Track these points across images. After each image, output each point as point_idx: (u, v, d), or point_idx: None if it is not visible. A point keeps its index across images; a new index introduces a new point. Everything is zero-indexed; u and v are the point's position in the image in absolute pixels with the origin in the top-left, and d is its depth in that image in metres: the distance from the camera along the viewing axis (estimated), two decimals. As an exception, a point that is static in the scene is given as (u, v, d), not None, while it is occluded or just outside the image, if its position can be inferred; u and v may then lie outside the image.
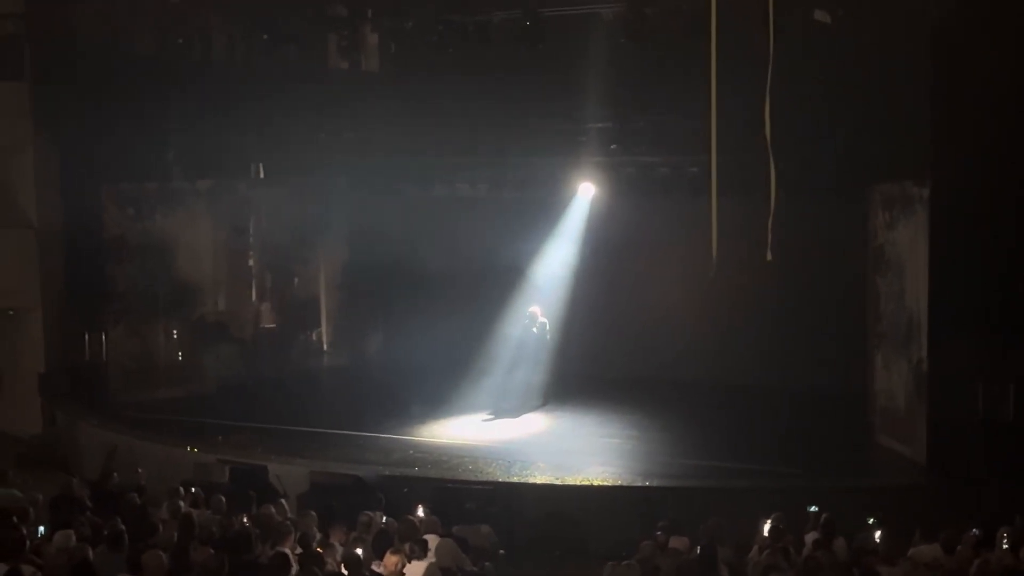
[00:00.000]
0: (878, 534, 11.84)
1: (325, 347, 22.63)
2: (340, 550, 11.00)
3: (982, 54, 14.64)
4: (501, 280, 20.26)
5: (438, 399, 18.81)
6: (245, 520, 11.84)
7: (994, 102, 14.62)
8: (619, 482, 15.18)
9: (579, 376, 19.91)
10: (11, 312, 20.82)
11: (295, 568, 9.97)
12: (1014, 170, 14.73)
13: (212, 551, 10.15)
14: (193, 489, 13.51)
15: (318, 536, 11.35)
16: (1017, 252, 14.72)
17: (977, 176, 14.70)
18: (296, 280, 22.16)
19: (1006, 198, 14.74)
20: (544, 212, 20.36)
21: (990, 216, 14.74)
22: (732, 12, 12.95)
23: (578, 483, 15.10)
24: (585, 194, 19.99)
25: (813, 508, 12.58)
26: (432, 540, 11.48)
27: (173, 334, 20.25)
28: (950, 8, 14.74)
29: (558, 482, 15.18)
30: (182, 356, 20.39)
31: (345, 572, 10.27)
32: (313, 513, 12.19)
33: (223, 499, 12.91)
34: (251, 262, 21.62)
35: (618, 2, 16.10)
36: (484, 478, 15.29)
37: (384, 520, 12.33)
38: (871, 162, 16.83)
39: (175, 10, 17.96)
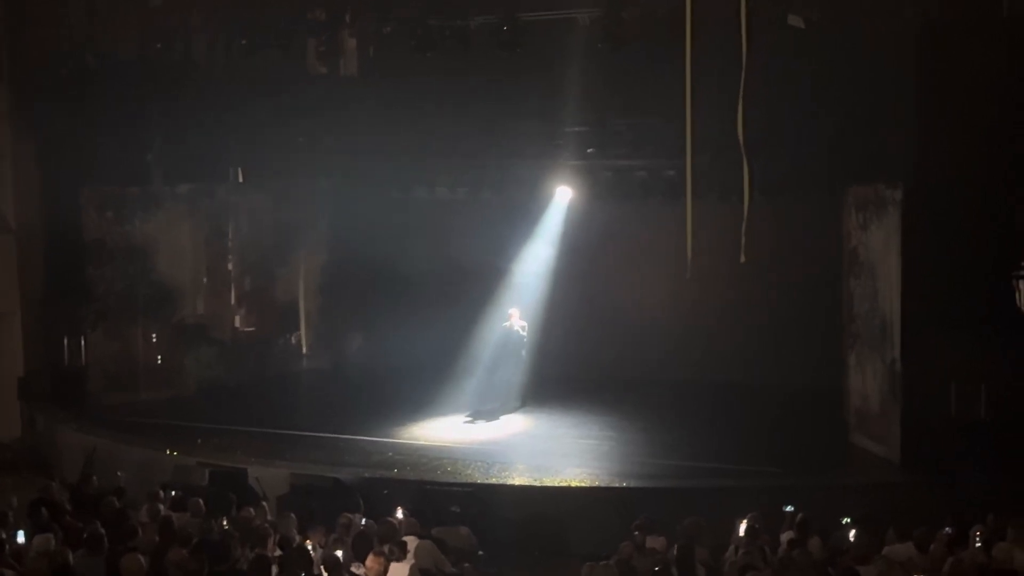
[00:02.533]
0: (853, 533, 11.97)
1: (305, 350, 22.63)
2: (320, 552, 11.06)
3: (962, 59, 14.81)
4: (480, 282, 20.33)
5: (417, 401, 18.85)
6: (225, 523, 11.88)
7: (968, 105, 14.79)
8: (597, 483, 15.25)
9: (557, 377, 19.96)
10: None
11: (275, 571, 10.02)
12: (986, 172, 14.90)
13: (191, 554, 10.18)
14: (173, 492, 13.52)
15: (297, 539, 11.39)
16: (988, 253, 14.85)
17: (949, 178, 14.86)
18: (276, 283, 22.15)
19: (978, 200, 14.91)
20: (523, 215, 20.43)
21: (962, 218, 14.89)
22: (709, 16, 13.08)
23: (557, 484, 15.18)
24: (562, 198, 20.06)
25: (789, 507, 12.66)
26: (411, 542, 11.54)
27: (153, 337, 20.19)
28: (933, 14, 14.92)
29: (537, 483, 15.24)
30: (162, 359, 20.34)
31: (325, 574, 10.33)
32: (293, 515, 12.23)
33: (202, 502, 12.93)
34: (231, 265, 21.60)
35: (596, 6, 16.21)
36: (463, 480, 15.34)
37: (364, 522, 12.38)
38: (845, 164, 16.95)
39: (155, 14, 17.95)
